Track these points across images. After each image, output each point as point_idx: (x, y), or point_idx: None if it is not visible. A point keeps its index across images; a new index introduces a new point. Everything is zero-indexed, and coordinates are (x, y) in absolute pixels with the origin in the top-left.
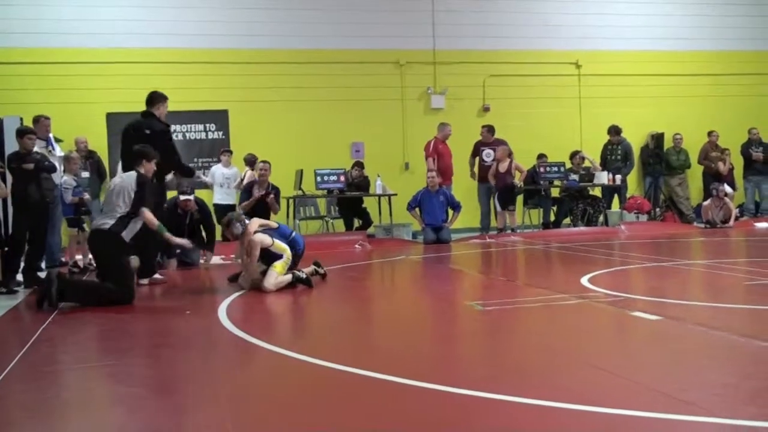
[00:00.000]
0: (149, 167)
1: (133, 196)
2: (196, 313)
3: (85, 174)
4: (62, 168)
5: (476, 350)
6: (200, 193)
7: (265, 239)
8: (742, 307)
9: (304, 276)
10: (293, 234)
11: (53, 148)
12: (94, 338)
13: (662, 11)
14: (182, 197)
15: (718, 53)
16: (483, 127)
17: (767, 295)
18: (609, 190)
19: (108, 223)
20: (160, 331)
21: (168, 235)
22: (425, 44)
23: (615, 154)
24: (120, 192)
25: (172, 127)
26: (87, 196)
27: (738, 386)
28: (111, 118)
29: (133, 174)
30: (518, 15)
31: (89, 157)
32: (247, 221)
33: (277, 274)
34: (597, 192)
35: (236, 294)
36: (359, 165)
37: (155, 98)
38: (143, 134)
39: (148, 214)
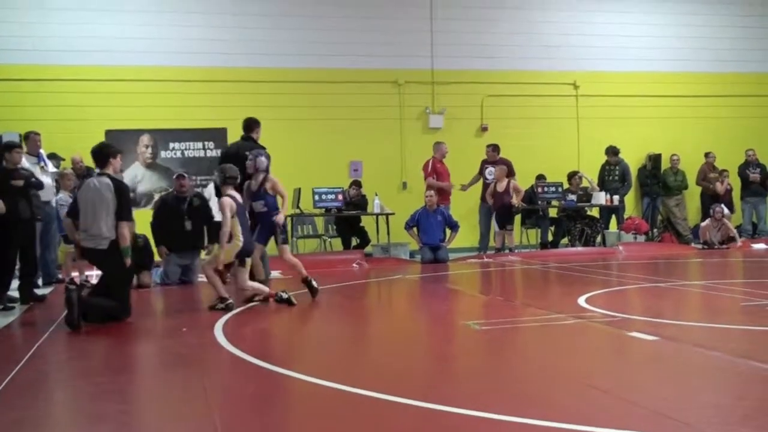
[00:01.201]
0: (116, 163)
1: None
2: (192, 330)
3: None
4: (55, 185)
5: (472, 369)
6: None
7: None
8: (739, 328)
9: (286, 296)
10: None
11: (45, 164)
12: (88, 356)
13: (660, 33)
14: (174, 176)
15: (715, 75)
16: (488, 146)
17: (763, 316)
18: (607, 211)
19: (102, 244)
20: (156, 348)
21: (128, 260)
22: (424, 64)
23: (613, 174)
24: (98, 211)
25: (170, 145)
26: None
27: (732, 407)
28: (110, 135)
29: (105, 182)
30: (516, 36)
31: (87, 175)
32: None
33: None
34: (595, 212)
35: (232, 312)
36: (357, 184)
37: (252, 124)
38: (246, 156)
39: (125, 229)
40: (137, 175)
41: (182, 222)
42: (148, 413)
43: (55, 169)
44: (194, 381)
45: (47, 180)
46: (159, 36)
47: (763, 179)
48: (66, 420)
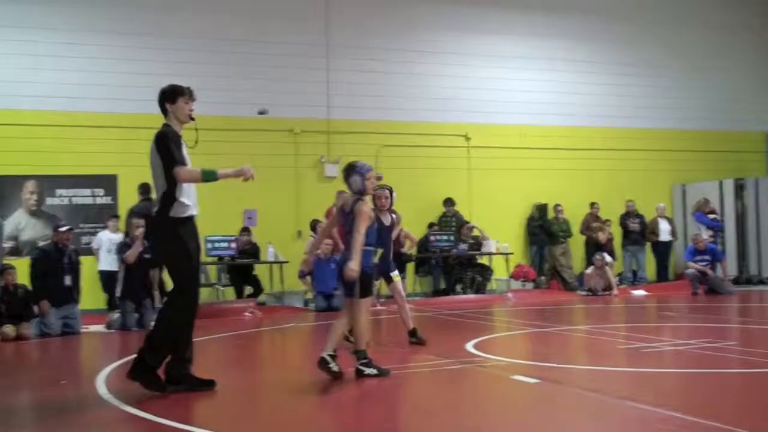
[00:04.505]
0: (174, 108)
1: None
2: (72, 382)
3: None
4: None
5: (358, 414)
6: (86, 259)
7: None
8: (617, 370)
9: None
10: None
11: None
12: None
13: (547, 88)
14: (62, 229)
15: (598, 129)
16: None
17: (640, 359)
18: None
19: None
20: (32, 401)
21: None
22: (319, 114)
23: (449, 225)
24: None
25: (57, 191)
26: None
27: None
28: None
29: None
30: (410, 88)
31: None
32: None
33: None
34: (485, 260)
35: (120, 361)
36: (246, 231)
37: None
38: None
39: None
40: (21, 223)
41: (62, 276)
42: None
43: None
44: None
45: None
46: (46, 80)
47: (642, 229)
48: None
